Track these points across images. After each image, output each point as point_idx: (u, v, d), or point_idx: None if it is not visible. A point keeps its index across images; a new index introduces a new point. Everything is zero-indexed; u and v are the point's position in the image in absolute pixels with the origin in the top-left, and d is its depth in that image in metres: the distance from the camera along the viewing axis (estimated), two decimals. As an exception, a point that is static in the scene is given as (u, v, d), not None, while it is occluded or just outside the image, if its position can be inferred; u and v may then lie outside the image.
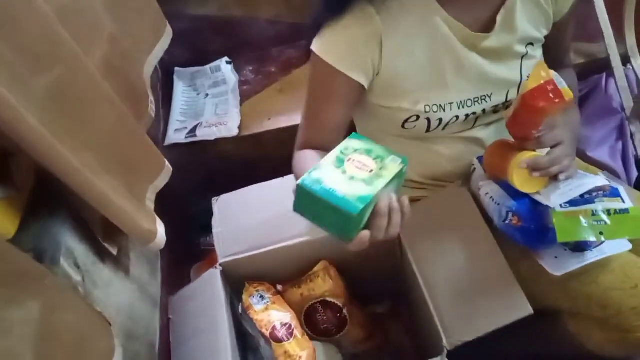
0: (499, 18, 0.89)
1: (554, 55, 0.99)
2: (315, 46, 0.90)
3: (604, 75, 1.50)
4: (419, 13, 0.87)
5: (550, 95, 0.80)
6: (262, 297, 1.04)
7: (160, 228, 0.99)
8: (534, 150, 0.87)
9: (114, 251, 0.93)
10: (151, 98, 1.09)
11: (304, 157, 0.96)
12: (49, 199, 0.84)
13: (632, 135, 1.43)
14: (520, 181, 0.87)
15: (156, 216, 1.01)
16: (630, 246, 0.88)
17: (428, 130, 0.95)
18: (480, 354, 0.94)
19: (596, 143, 1.45)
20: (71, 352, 0.69)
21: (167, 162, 1.08)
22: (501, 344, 0.92)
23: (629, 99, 1.44)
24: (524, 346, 1.08)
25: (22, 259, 0.68)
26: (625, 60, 1.46)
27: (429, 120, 0.93)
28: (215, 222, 1.13)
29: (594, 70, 1.52)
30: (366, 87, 0.92)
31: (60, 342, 0.67)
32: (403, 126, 0.96)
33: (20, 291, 0.63)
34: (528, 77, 0.94)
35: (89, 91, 0.83)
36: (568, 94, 0.80)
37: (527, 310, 0.89)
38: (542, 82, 0.81)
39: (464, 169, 1.03)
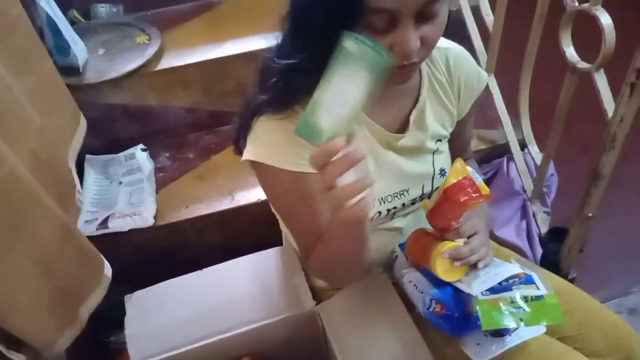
0: (412, 118, 0.95)
1: (456, 148, 1.06)
2: (256, 155, 0.86)
3: (505, 158, 1.61)
4: None
5: (469, 190, 0.86)
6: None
7: (67, 338, 0.92)
8: (453, 240, 0.91)
9: None
10: (78, 188, 1.05)
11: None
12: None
13: (534, 214, 1.53)
14: (443, 270, 0.90)
15: (75, 325, 0.94)
16: (544, 329, 0.93)
17: None
18: None
19: (502, 223, 1.53)
20: None
21: (106, 266, 1.01)
22: None
23: (529, 181, 1.55)
24: None
25: None
26: (523, 145, 1.58)
27: None
28: (128, 322, 1.06)
29: (496, 155, 1.63)
30: None
31: None
32: None
33: None
34: (441, 170, 1.01)
35: (23, 198, 0.80)
36: (484, 188, 0.87)
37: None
38: (461, 177, 0.87)
39: (386, 257, 1.05)
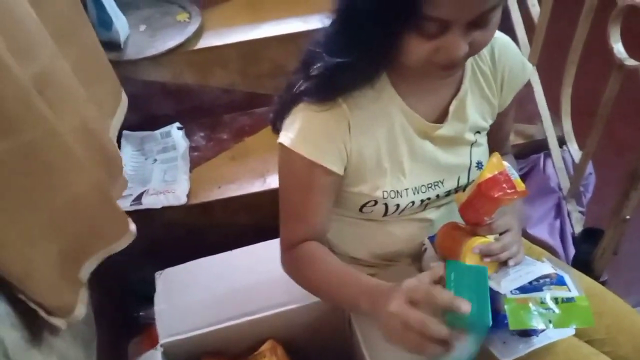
0: (451, 108, 0.94)
1: (495, 141, 1.05)
2: (287, 139, 0.87)
3: (542, 155, 1.57)
4: (380, 102, 0.89)
5: (504, 185, 0.84)
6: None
7: (82, 302, 0.94)
8: (485, 236, 0.90)
9: (63, 325, 0.88)
10: (124, 161, 1.06)
11: (312, 257, 0.92)
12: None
13: (569, 214, 1.50)
14: None
15: (83, 287, 0.96)
16: (573, 331, 0.91)
17: (385, 214, 0.96)
18: None
19: (535, 221, 1.50)
20: None
21: (131, 226, 1.03)
22: None
23: (566, 179, 1.51)
24: None
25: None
26: (562, 142, 1.54)
27: (386, 205, 0.94)
28: (157, 298, 1.08)
29: (533, 150, 1.59)
30: (342, 174, 0.91)
31: None
32: (361, 210, 0.96)
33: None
34: (478, 163, 0.99)
35: (60, 158, 0.81)
36: (520, 185, 0.85)
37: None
38: (497, 172, 0.85)
39: (415, 248, 1.04)
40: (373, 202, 0.94)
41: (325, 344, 1.07)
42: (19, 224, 0.77)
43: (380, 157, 0.92)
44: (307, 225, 0.93)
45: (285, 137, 0.88)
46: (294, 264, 0.95)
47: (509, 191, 0.85)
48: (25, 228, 0.79)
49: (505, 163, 0.88)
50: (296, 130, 0.87)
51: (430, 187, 0.96)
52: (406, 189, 0.94)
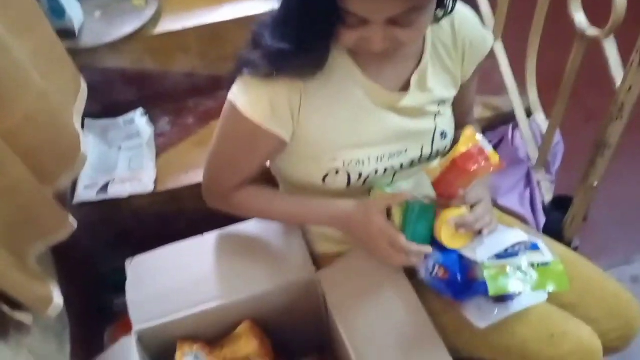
0: (413, 80, 0.94)
1: (459, 113, 1.06)
2: (238, 100, 0.89)
3: (510, 126, 1.58)
4: (339, 76, 0.90)
5: (479, 158, 0.85)
6: (197, 357, 0.98)
7: (56, 291, 0.93)
8: (458, 207, 0.90)
9: (29, 320, 0.87)
10: (83, 151, 1.05)
11: (260, 197, 1.02)
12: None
13: (538, 183, 1.51)
14: (447, 237, 0.89)
15: (48, 277, 0.94)
16: (546, 297, 0.93)
17: (349, 184, 0.96)
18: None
19: (506, 191, 1.51)
20: None
21: (70, 219, 1.01)
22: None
23: (534, 149, 1.53)
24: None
25: None
26: (529, 112, 1.55)
27: (348, 174, 0.95)
28: (129, 285, 1.06)
29: (501, 122, 1.60)
30: (287, 141, 0.93)
31: None
32: (324, 181, 0.96)
33: None
34: (442, 133, 0.99)
35: None
36: (494, 157, 0.86)
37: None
38: (471, 145, 0.85)
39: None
40: (334, 172, 0.94)
41: (301, 323, 1.06)
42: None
43: (337, 131, 0.92)
44: (241, 179, 0.99)
45: (237, 98, 0.89)
46: (238, 205, 1.03)
47: (484, 164, 0.86)
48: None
49: (479, 136, 0.89)
50: (249, 94, 0.89)
51: (394, 156, 0.97)
52: (368, 158, 0.95)
